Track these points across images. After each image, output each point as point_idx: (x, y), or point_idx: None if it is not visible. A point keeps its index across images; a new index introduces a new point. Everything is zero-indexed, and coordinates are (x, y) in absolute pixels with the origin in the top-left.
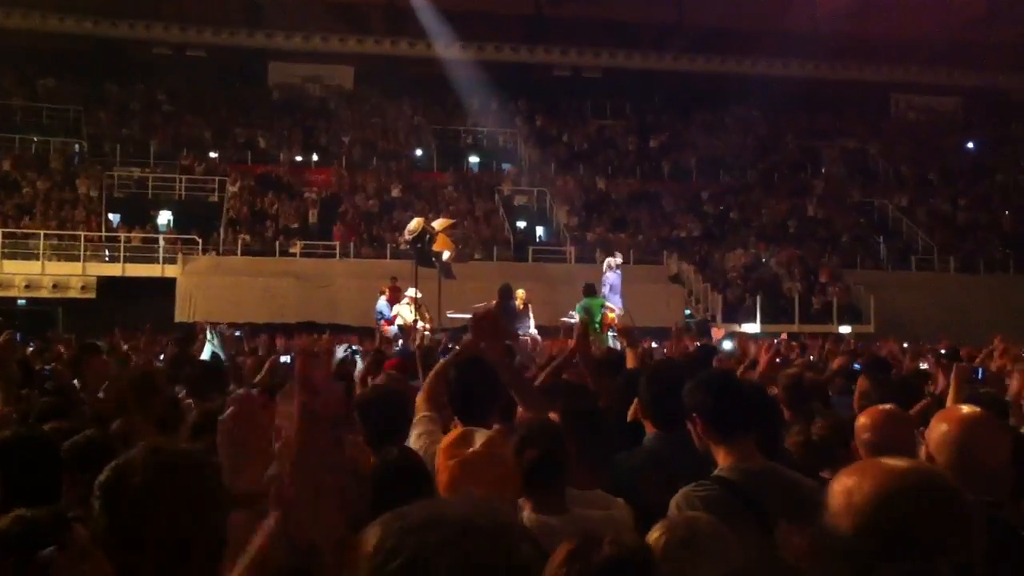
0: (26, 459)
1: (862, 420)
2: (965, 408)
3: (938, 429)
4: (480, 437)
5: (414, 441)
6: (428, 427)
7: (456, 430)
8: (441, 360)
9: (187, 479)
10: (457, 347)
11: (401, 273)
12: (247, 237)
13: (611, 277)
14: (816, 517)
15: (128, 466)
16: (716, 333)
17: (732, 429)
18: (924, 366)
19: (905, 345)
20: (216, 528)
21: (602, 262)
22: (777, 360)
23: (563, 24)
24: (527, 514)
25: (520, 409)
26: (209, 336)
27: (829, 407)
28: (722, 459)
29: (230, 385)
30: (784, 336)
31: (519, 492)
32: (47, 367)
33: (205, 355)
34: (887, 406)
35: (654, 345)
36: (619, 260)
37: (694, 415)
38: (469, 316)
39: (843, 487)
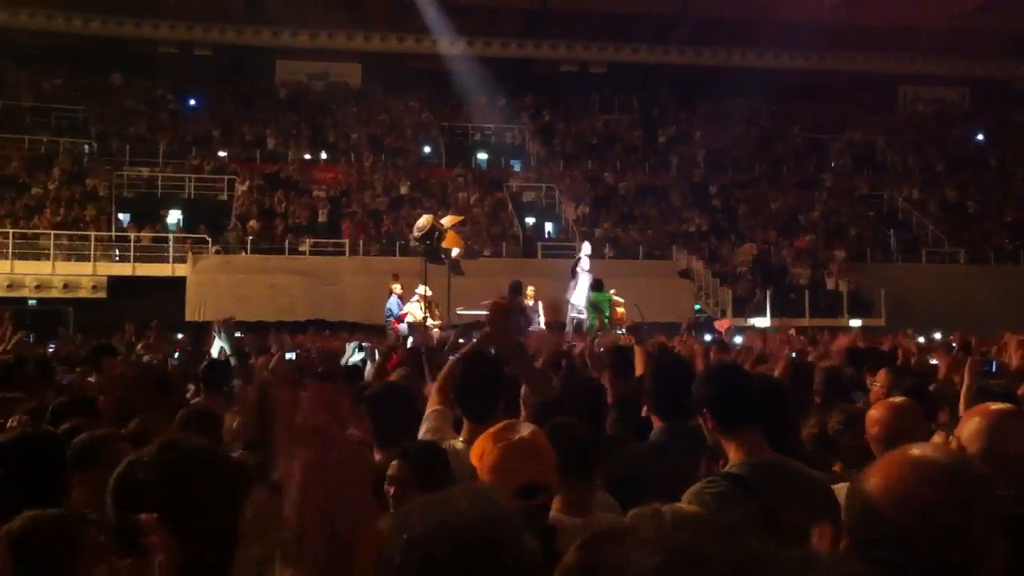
0: (31, 459)
1: (873, 413)
2: (997, 404)
3: (971, 421)
4: (526, 428)
5: (421, 436)
6: (436, 423)
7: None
8: (455, 355)
9: (201, 474)
10: (475, 340)
11: (410, 270)
12: (256, 235)
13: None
14: (822, 510)
15: (139, 462)
16: (721, 325)
17: (738, 422)
18: (934, 361)
19: (921, 340)
20: (229, 522)
21: (604, 256)
22: (793, 354)
23: (567, 18)
24: (552, 513)
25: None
26: (216, 331)
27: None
28: (732, 453)
29: (233, 380)
30: (792, 331)
31: (557, 482)
32: (66, 379)
33: (214, 351)
34: (899, 399)
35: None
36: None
37: (703, 409)
38: (479, 313)
39: (866, 480)
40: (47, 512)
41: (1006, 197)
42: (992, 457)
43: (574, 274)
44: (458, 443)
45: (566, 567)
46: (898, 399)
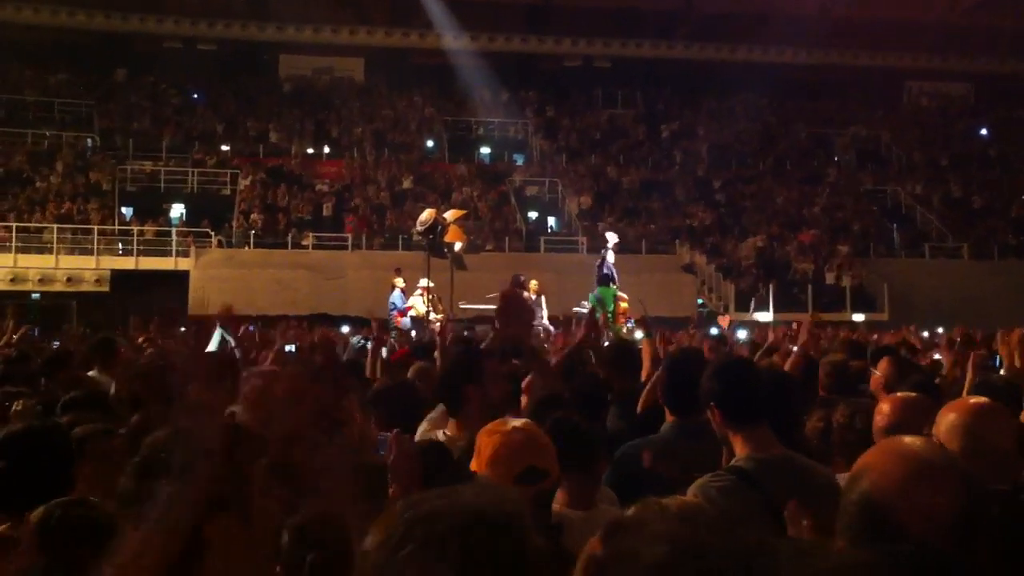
0: (37, 451)
1: (883, 406)
2: (972, 398)
3: (947, 418)
4: (519, 420)
5: (421, 427)
6: (437, 414)
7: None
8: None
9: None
10: (491, 335)
11: (413, 265)
12: (259, 229)
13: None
14: (829, 505)
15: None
16: (722, 321)
17: (746, 417)
18: (937, 356)
19: (926, 335)
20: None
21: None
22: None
23: (571, 13)
24: (556, 508)
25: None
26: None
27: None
28: (739, 448)
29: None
30: (795, 325)
31: (558, 470)
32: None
33: (213, 344)
34: (908, 393)
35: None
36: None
37: (711, 404)
38: (482, 307)
39: (853, 468)
40: (69, 499)
41: (1011, 192)
42: (972, 453)
43: (603, 272)
44: (439, 434)
45: (590, 558)
46: (908, 394)
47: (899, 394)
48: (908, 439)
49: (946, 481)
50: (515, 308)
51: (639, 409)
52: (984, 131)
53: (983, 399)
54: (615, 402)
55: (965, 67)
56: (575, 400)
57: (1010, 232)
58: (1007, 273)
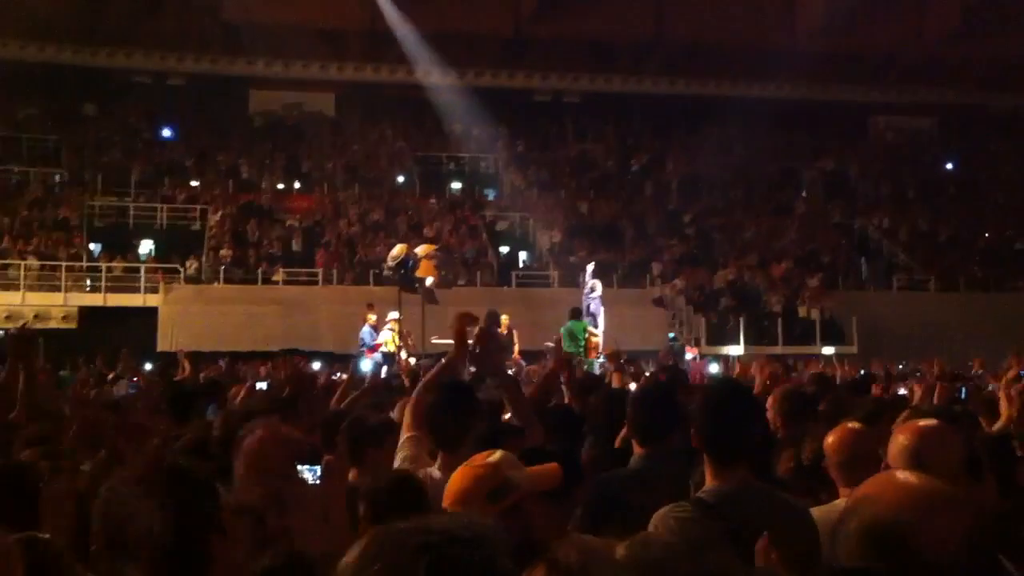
0: (1, 488)
1: (831, 439)
2: (921, 421)
3: (896, 441)
4: (497, 453)
5: (398, 464)
6: (413, 451)
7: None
8: (423, 378)
9: (180, 493)
10: (443, 361)
11: (385, 299)
12: (229, 264)
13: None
14: (798, 537)
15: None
16: (692, 352)
17: (727, 457)
18: (903, 391)
19: (901, 366)
20: (205, 539)
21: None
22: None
23: (542, 46)
24: None
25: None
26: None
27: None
28: (708, 477)
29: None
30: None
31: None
32: None
33: None
34: (855, 424)
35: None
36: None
37: (694, 431)
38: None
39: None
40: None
41: (977, 225)
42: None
43: (589, 308)
44: (435, 471)
45: None
46: (855, 425)
47: (845, 426)
48: (900, 472)
49: (954, 507)
50: (490, 346)
51: (617, 444)
52: (950, 164)
53: (931, 421)
54: (590, 432)
55: (932, 99)
56: (549, 428)
57: (976, 264)
58: (973, 305)
